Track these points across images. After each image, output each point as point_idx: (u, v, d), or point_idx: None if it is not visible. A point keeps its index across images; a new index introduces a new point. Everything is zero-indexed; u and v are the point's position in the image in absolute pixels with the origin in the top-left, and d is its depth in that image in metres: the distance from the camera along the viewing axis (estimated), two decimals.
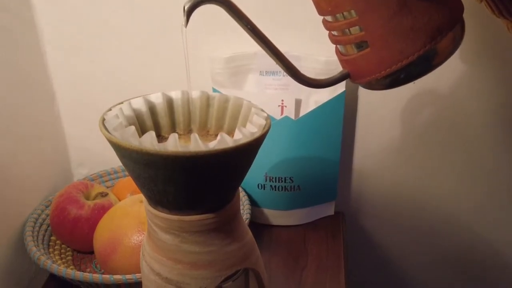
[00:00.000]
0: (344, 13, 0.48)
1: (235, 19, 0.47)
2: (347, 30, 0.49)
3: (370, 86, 0.53)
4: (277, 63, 0.51)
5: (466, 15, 0.51)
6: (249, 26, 0.48)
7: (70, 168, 0.94)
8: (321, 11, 0.51)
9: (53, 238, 0.77)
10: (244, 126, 0.48)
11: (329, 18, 0.51)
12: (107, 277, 0.62)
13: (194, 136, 0.39)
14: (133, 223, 0.67)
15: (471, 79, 0.78)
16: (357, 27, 0.48)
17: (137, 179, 0.43)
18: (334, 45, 0.54)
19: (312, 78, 0.53)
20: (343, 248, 0.80)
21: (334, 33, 0.51)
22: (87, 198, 0.76)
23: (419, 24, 0.46)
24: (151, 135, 0.39)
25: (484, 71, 0.77)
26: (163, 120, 0.51)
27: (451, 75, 0.78)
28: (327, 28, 0.52)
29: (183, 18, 0.45)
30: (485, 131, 0.81)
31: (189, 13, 0.45)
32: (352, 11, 0.47)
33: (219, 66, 0.78)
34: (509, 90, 0.78)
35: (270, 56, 0.51)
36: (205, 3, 0.45)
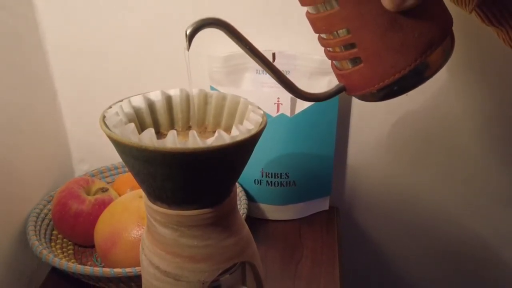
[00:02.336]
0: (338, 31, 0.49)
1: (234, 41, 0.48)
2: (342, 47, 0.50)
3: (365, 98, 0.54)
4: (276, 80, 0.51)
5: (454, 26, 0.51)
6: (248, 47, 0.48)
7: (71, 164, 0.94)
8: (316, 29, 0.51)
9: (54, 232, 0.77)
10: (241, 123, 0.48)
11: (324, 35, 0.51)
12: (107, 270, 0.62)
13: (192, 133, 0.39)
14: (132, 218, 0.67)
15: (459, 80, 0.78)
16: (350, 44, 0.49)
17: (137, 175, 0.43)
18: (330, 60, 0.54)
19: (310, 93, 0.53)
20: (337, 242, 0.80)
21: (330, 49, 0.52)
22: (88, 194, 0.76)
23: (409, 40, 0.47)
24: (150, 132, 0.39)
25: (471, 74, 0.77)
26: (162, 118, 0.51)
27: (440, 78, 0.78)
28: (322, 45, 0.53)
29: (185, 43, 0.45)
30: (473, 130, 0.82)
31: (190, 37, 0.45)
32: (346, 29, 0.48)
33: (216, 65, 0.78)
34: (496, 93, 0.78)
35: (269, 74, 0.51)
36: (206, 27, 0.45)
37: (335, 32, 0.49)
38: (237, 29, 0.47)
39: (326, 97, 0.54)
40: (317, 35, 0.53)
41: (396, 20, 0.46)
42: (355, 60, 0.50)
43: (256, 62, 0.50)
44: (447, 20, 0.50)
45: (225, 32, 0.47)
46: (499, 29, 0.51)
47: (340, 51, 0.50)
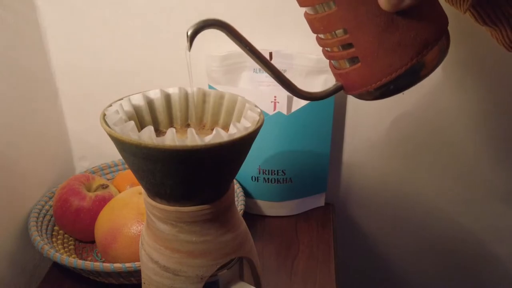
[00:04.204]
0: (336, 31, 0.49)
1: (235, 42, 0.48)
2: (339, 46, 0.50)
3: (362, 97, 0.54)
4: (275, 79, 0.51)
5: (449, 24, 0.51)
6: (247, 48, 0.48)
7: (72, 161, 0.94)
8: (314, 30, 0.51)
9: (56, 228, 0.77)
10: (239, 121, 0.48)
11: (322, 35, 0.51)
12: (107, 266, 0.62)
13: (191, 130, 0.39)
14: (132, 214, 0.67)
15: (452, 78, 0.78)
16: (348, 44, 0.49)
17: (136, 172, 0.43)
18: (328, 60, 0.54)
19: (308, 92, 0.53)
20: (332, 238, 0.80)
21: (328, 49, 0.52)
22: (89, 190, 0.76)
23: (406, 40, 0.47)
24: (149, 129, 0.39)
25: (464, 71, 0.77)
26: (161, 115, 0.51)
27: (433, 76, 0.78)
28: (320, 45, 0.52)
29: (186, 44, 0.45)
30: (467, 127, 0.82)
31: (192, 38, 0.45)
32: (343, 30, 0.48)
33: (215, 64, 0.78)
34: (487, 89, 0.78)
35: (269, 74, 0.51)
36: (207, 28, 0.45)
37: (333, 32, 0.49)
38: (237, 30, 0.47)
39: (324, 96, 0.54)
40: (315, 35, 0.53)
41: (393, 20, 0.46)
42: (353, 60, 0.50)
43: (256, 62, 0.50)
44: (443, 20, 0.50)
45: (226, 33, 0.47)
46: (493, 28, 0.51)
47: (338, 51, 0.50)
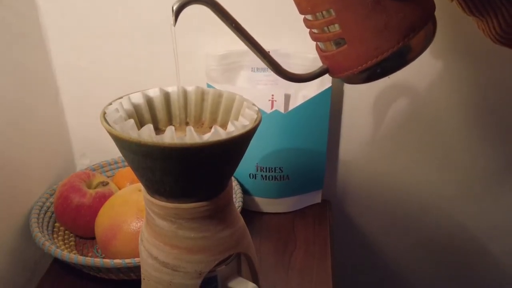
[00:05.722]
0: (323, 12, 0.48)
1: (220, 19, 0.48)
2: (326, 28, 0.49)
3: (348, 80, 0.53)
4: (261, 59, 0.51)
5: (438, 13, 0.51)
6: (233, 25, 0.48)
7: (73, 158, 0.93)
8: (301, 10, 0.51)
9: (57, 224, 0.77)
10: (237, 119, 0.48)
11: (309, 16, 0.51)
12: (107, 261, 0.62)
13: (190, 129, 0.39)
14: (132, 211, 0.67)
15: (446, 76, 0.78)
16: (335, 25, 0.48)
17: (136, 169, 0.43)
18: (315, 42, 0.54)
19: (293, 73, 0.53)
20: (329, 234, 0.80)
21: (314, 31, 0.52)
22: (89, 187, 0.76)
23: (393, 22, 0.47)
24: (149, 127, 0.39)
25: (457, 68, 0.77)
26: (161, 114, 0.51)
27: (428, 73, 0.78)
28: (307, 26, 0.52)
29: (171, 18, 0.45)
30: (461, 124, 0.82)
31: (177, 13, 0.45)
32: (330, 10, 0.48)
33: (213, 63, 0.78)
34: (481, 86, 0.78)
35: (255, 53, 0.50)
36: (192, 4, 0.45)
37: (319, 13, 0.49)
38: (223, 7, 0.47)
39: (309, 78, 0.54)
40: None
41: (380, 2, 0.46)
42: (339, 42, 0.49)
43: (242, 40, 0.50)
44: (430, 4, 0.49)
45: (212, 9, 0.47)
46: (479, 19, 0.51)
47: (324, 32, 0.50)
